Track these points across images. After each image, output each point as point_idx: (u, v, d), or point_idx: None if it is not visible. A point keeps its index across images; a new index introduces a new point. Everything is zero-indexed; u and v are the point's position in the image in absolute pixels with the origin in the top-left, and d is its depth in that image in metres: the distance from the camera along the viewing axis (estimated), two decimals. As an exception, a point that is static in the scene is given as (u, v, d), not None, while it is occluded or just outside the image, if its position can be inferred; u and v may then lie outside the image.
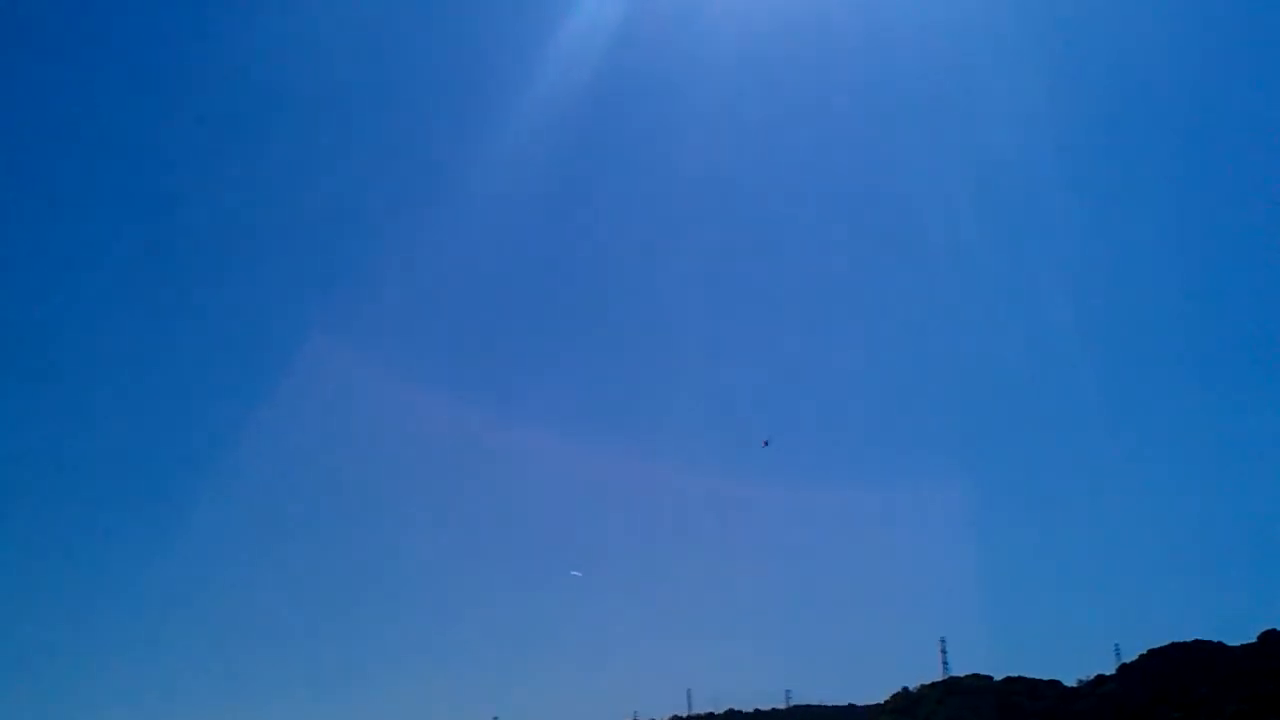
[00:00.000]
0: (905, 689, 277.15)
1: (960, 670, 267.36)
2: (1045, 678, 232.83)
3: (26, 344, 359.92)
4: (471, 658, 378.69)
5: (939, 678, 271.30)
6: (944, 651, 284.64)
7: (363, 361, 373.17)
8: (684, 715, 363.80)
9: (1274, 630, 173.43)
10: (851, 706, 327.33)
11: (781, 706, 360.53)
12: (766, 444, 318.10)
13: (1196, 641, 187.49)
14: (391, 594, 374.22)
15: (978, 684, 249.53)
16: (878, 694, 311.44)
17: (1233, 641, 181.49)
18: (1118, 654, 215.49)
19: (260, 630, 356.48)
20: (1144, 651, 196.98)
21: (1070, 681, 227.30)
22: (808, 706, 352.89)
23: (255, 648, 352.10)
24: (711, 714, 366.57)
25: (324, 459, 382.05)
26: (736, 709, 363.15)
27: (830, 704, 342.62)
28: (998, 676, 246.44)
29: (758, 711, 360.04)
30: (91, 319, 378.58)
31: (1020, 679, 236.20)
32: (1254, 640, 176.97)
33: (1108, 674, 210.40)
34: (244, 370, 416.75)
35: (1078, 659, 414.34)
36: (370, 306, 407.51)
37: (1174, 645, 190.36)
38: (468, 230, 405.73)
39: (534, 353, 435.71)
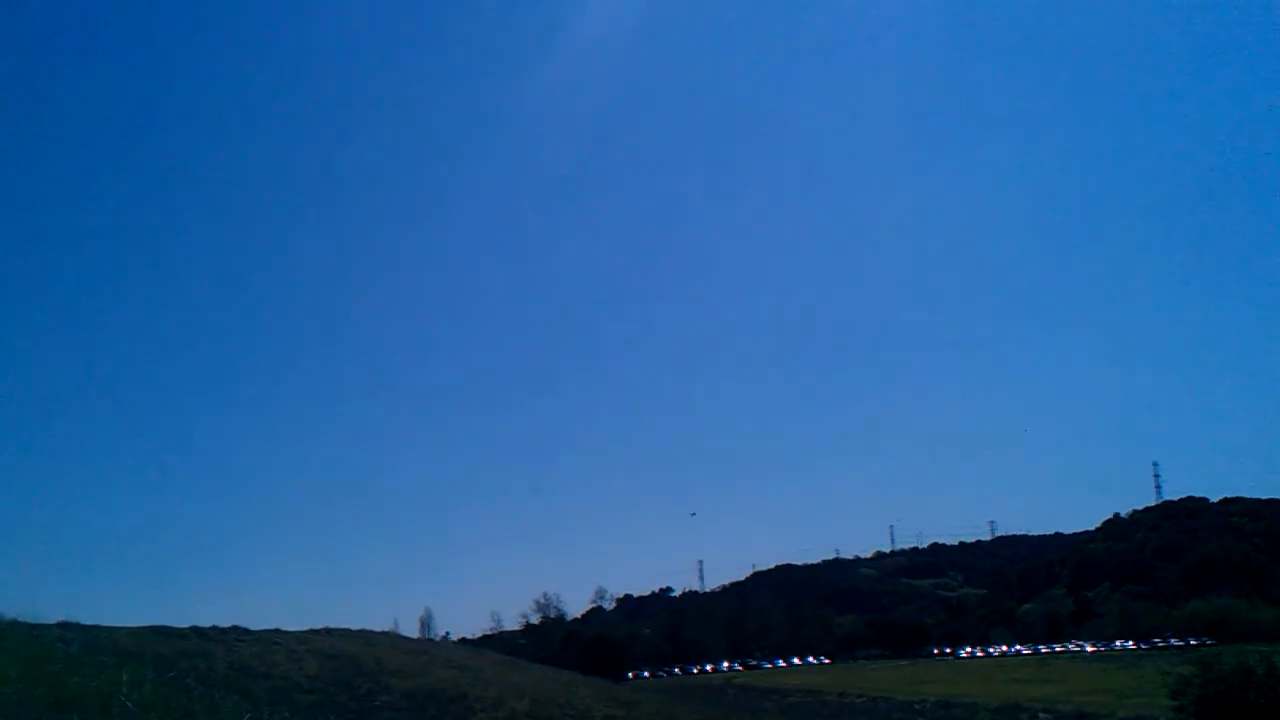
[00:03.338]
0: (1116, 515, 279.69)
1: (1174, 494, 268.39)
2: (1264, 497, 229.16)
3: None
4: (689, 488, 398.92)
5: (1152, 502, 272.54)
6: (1157, 475, 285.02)
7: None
8: (887, 550, 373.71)
9: None
10: (1058, 535, 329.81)
11: (986, 538, 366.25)
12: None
13: None
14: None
15: (1193, 506, 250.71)
16: (1087, 521, 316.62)
17: None
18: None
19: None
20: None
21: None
22: (1013, 537, 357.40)
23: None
24: (915, 548, 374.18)
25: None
26: (940, 542, 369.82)
27: (1036, 534, 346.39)
28: (1214, 498, 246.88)
29: (961, 544, 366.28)
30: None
31: (1238, 499, 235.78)
32: None
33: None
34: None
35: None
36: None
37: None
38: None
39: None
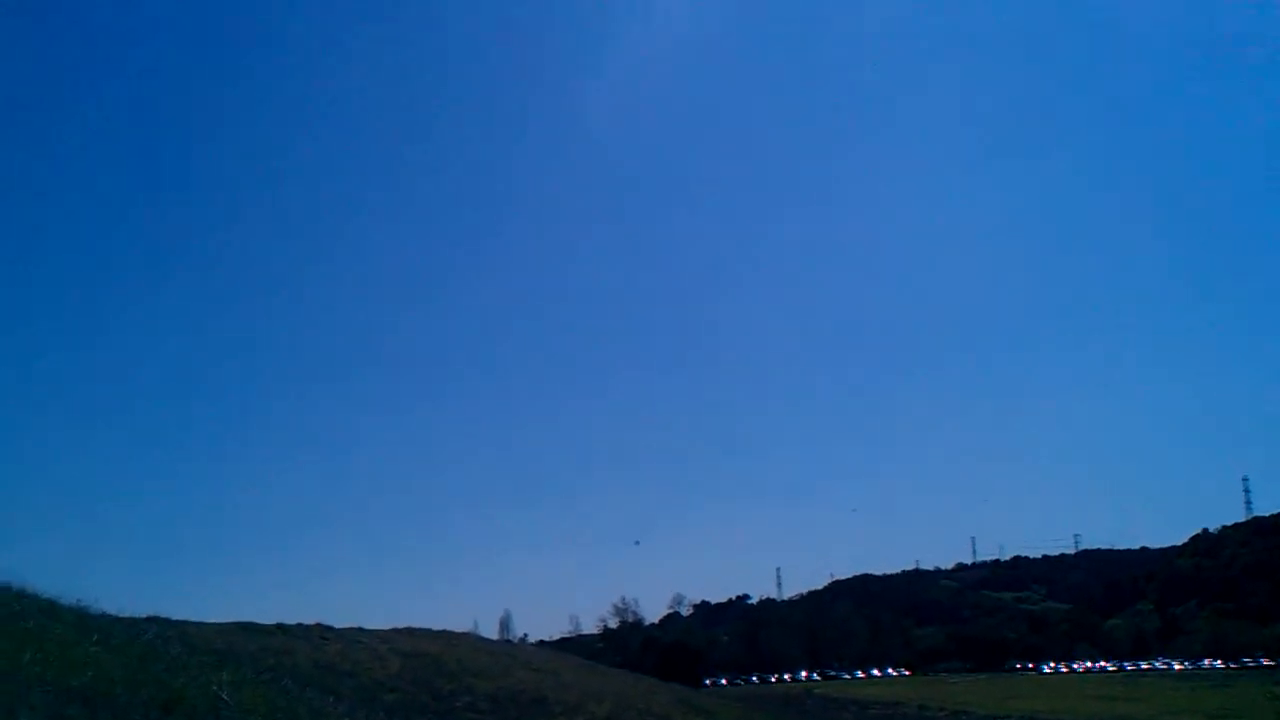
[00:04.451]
0: (1205, 530, 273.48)
1: (1264, 510, 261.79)
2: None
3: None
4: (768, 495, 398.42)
5: (1242, 518, 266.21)
6: (1247, 490, 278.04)
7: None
8: (968, 562, 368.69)
9: None
10: (1144, 550, 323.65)
11: (1070, 551, 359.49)
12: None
13: None
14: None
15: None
16: (1174, 536, 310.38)
17: None
18: None
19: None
20: None
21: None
22: (1098, 551, 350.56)
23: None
24: (997, 560, 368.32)
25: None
26: (1023, 555, 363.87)
27: (1121, 548, 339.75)
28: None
29: (1045, 557, 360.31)
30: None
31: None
32: None
33: None
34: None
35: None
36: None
37: None
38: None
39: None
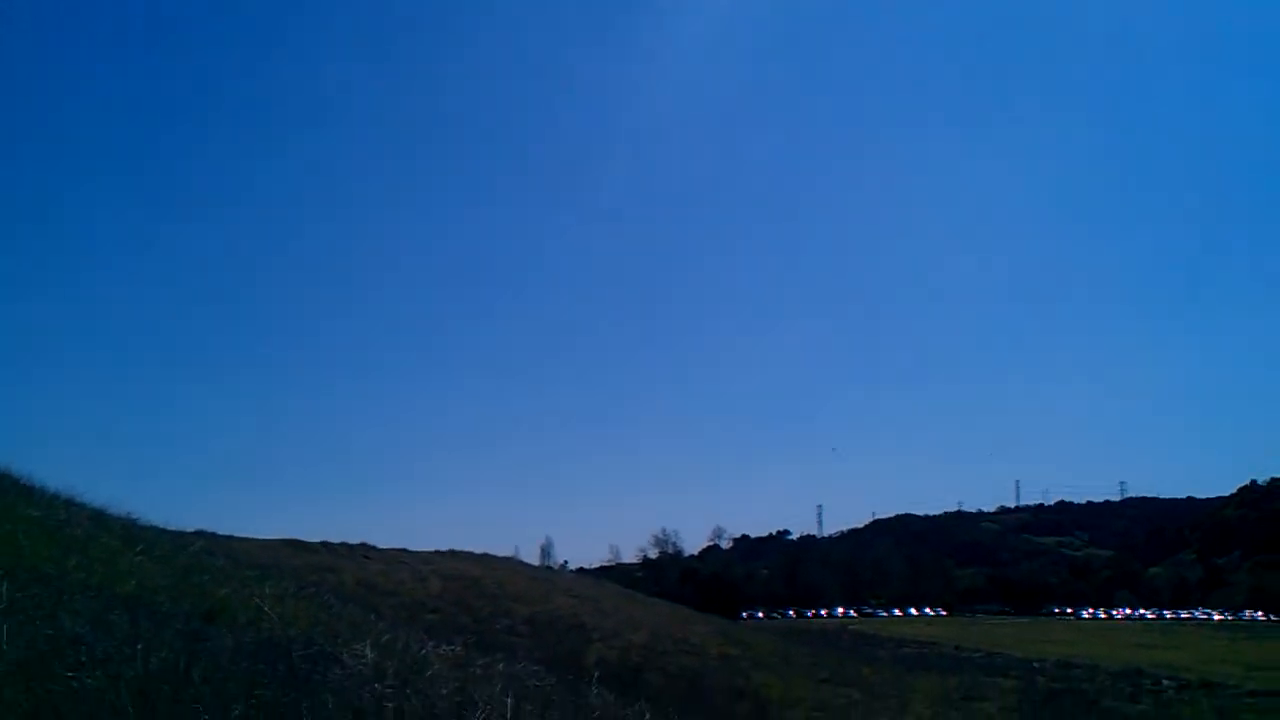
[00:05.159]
0: (1253, 481, 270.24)
1: None
2: None
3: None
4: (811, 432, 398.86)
5: None
6: None
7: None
8: (1011, 505, 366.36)
9: None
10: (1190, 499, 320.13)
11: (1115, 498, 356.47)
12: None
13: None
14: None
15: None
16: (1221, 487, 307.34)
17: None
18: None
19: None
20: None
21: None
22: (1143, 499, 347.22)
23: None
24: (1040, 504, 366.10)
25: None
26: (1067, 500, 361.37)
27: (1167, 496, 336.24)
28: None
29: (1089, 503, 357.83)
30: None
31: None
32: None
33: None
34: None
35: None
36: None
37: None
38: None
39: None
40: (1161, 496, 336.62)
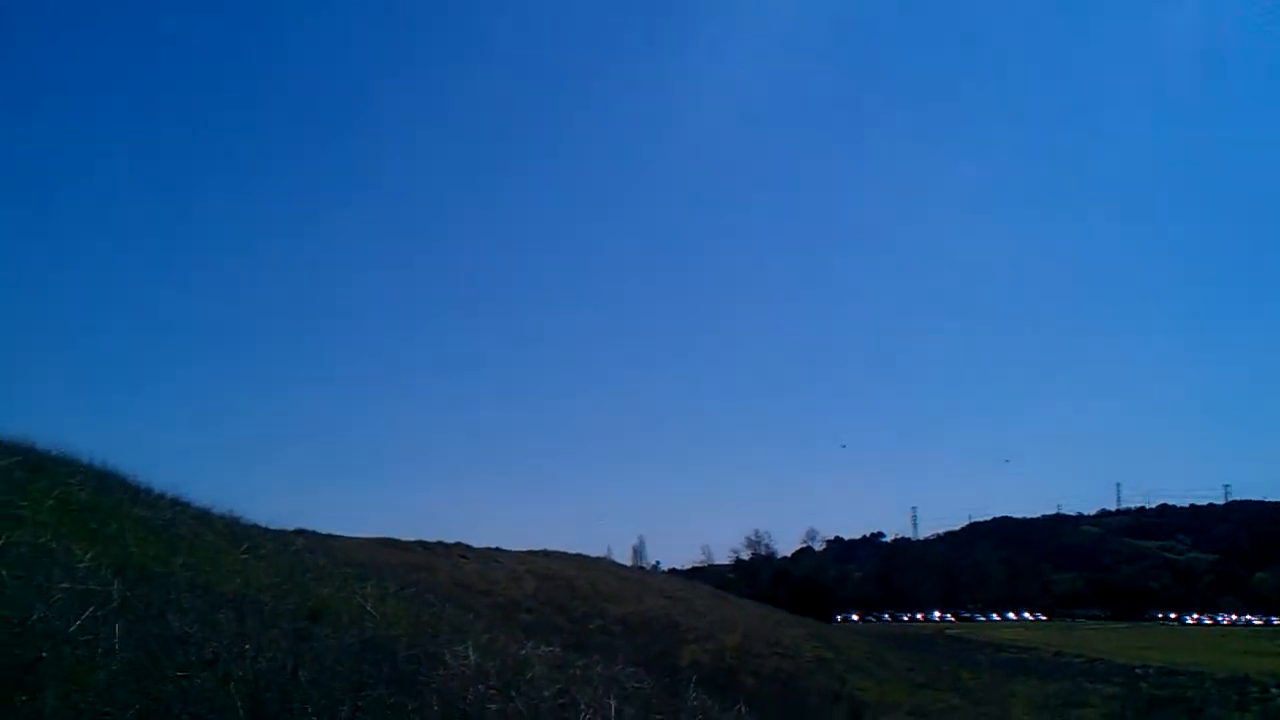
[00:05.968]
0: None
1: None
2: None
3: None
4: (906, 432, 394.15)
5: None
6: None
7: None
8: (1112, 509, 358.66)
9: None
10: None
11: (1219, 502, 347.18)
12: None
13: None
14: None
15: None
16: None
17: None
18: None
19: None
20: None
21: None
22: (1248, 502, 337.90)
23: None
24: (1142, 508, 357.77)
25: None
26: (1169, 503, 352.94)
27: (1272, 500, 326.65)
28: None
29: (1193, 506, 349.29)
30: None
31: None
32: None
33: None
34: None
35: None
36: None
37: None
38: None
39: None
40: (1267, 500, 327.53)
